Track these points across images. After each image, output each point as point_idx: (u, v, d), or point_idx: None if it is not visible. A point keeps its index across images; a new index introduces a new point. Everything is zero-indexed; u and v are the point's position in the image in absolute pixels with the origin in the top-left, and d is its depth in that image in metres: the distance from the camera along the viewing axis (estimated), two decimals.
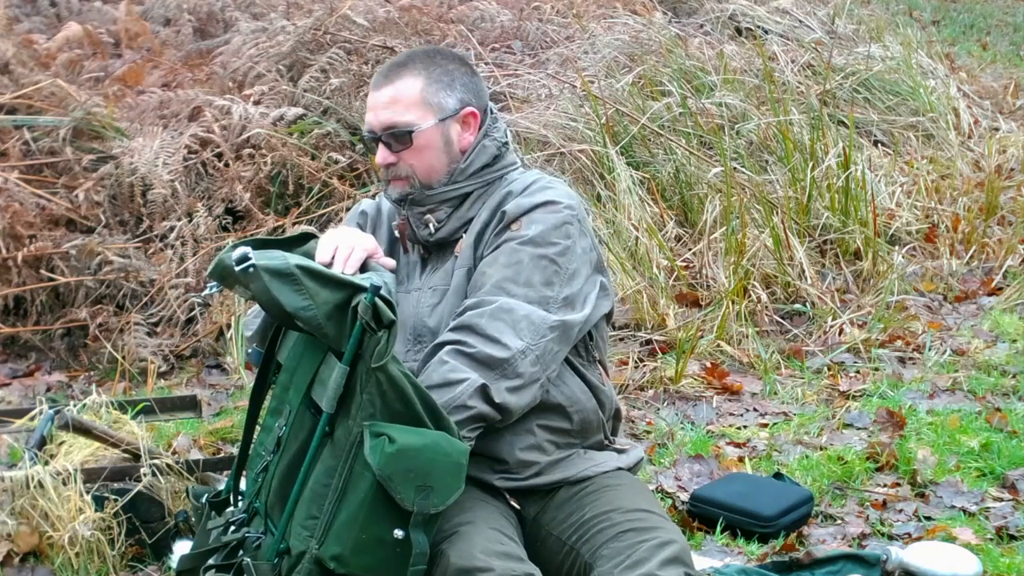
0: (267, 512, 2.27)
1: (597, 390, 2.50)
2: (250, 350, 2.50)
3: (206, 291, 2.33)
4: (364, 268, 2.28)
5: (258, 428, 2.41)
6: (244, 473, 2.43)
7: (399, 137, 2.42)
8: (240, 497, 2.40)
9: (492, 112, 2.52)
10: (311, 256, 2.27)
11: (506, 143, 2.52)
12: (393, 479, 2.08)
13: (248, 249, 2.11)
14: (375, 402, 2.10)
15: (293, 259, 2.13)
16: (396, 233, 2.50)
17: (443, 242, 2.47)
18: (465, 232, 2.46)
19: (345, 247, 2.29)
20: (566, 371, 2.44)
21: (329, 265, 2.24)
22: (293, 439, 2.23)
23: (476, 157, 2.46)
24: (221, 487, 2.49)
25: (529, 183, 2.46)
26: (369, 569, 2.13)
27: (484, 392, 2.26)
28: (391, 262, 2.39)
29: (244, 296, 2.25)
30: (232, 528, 2.31)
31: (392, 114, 2.41)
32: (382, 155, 2.44)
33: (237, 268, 2.10)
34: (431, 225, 2.45)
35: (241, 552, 2.25)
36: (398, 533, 2.10)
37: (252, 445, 2.41)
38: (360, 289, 2.10)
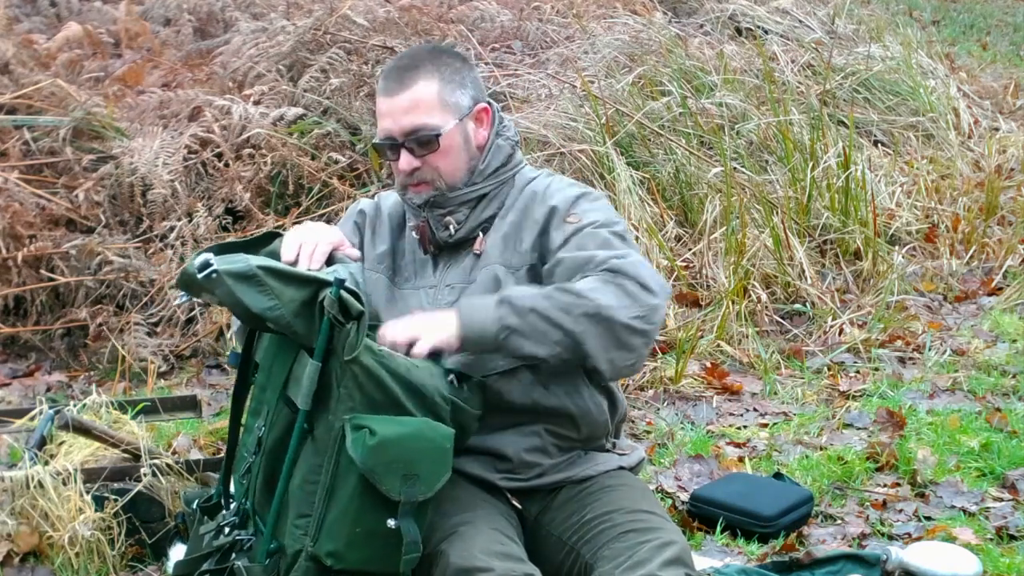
0: (255, 513, 2.27)
1: (613, 395, 2.51)
2: (229, 352, 2.51)
3: (176, 302, 2.34)
4: (331, 261, 2.29)
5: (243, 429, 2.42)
6: (233, 475, 2.44)
7: (426, 142, 2.40)
8: (231, 500, 2.40)
9: (497, 110, 2.53)
10: (277, 254, 2.27)
11: (517, 141, 2.54)
12: (377, 471, 2.09)
13: (210, 256, 2.12)
14: (353, 395, 2.11)
15: (255, 260, 2.14)
16: (415, 235, 2.49)
17: (460, 241, 2.47)
18: (483, 231, 2.46)
19: (309, 243, 2.29)
20: (582, 383, 2.44)
21: (295, 262, 2.25)
22: (274, 438, 2.24)
23: (493, 157, 2.47)
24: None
25: (548, 183, 2.48)
26: (366, 562, 2.14)
27: (597, 321, 2.22)
28: (356, 253, 2.40)
29: (212, 302, 2.26)
30: (224, 532, 2.32)
31: (414, 119, 2.39)
32: (407, 161, 2.41)
33: (200, 276, 2.11)
34: (451, 227, 2.45)
35: (234, 555, 2.26)
36: (391, 523, 2.11)
37: (238, 447, 2.42)
38: (325, 284, 2.11)
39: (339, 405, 2.12)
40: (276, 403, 2.23)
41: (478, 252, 2.45)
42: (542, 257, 2.41)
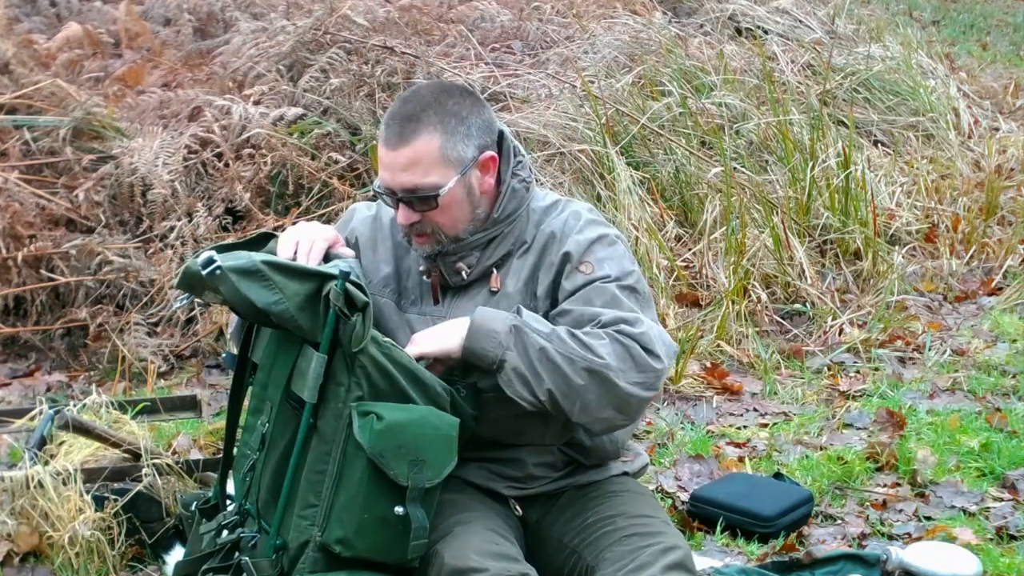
0: (259, 511, 2.27)
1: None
2: (224, 354, 2.51)
3: (177, 303, 2.34)
4: (327, 259, 2.30)
5: (240, 430, 2.42)
6: (230, 476, 2.44)
7: (423, 200, 2.29)
8: (229, 500, 2.41)
9: (510, 142, 2.38)
10: (273, 255, 2.27)
11: (531, 181, 2.42)
12: (385, 456, 2.10)
13: (213, 252, 2.13)
14: (362, 385, 2.13)
15: (258, 256, 2.15)
16: (425, 278, 2.40)
17: (472, 280, 2.41)
18: (497, 267, 2.38)
19: (306, 241, 2.29)
20: None
21: (293, 260, 2.25)
22: (278, 434, 2.24)
23: (507, 203, 2.37)
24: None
25: (564, 220, 2.38)
26: (375, 550, 2.15)
27: (599, 381, 2.19)
28: (350, 251, 2.38)
29: (214, 301, 2.25)
30: (225, 531, 2.32)
31: (412, 177, 2.27)
32: (405, 215, 2.31)
33: (204, 272, 2.11)
34: (464, 272, 2.37)
35: (237, 553, 2.26)
36: (399, 510, 2.12)
37: (236, 446, 2.42)
38: (329, 277, 2.12)
39: (348, 395, 2.13)
40: (280, 399, 2.24)
41: (494, 289, 2.37)
42: (553, 304, 2.34)
